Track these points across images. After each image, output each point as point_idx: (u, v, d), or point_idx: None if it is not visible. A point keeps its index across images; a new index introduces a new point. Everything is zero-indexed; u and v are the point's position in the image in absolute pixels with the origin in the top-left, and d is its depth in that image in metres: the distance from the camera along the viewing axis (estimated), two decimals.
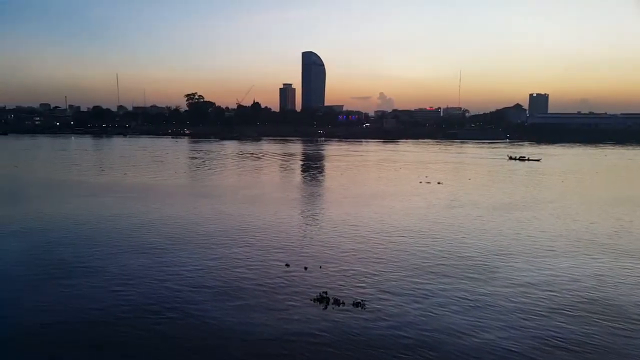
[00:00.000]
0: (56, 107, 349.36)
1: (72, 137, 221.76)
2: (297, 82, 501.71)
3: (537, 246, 30.96)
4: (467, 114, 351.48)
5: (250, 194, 53.54)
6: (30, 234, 32.84)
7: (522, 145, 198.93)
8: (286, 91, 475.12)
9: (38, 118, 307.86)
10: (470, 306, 20.52)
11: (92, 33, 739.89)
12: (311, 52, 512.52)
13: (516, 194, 55.58)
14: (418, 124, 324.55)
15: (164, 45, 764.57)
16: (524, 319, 19.18)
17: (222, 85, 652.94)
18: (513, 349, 16.66)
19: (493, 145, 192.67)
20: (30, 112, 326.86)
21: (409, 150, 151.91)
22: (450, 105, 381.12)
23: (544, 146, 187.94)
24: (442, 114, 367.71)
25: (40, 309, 19.81)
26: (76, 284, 22.86)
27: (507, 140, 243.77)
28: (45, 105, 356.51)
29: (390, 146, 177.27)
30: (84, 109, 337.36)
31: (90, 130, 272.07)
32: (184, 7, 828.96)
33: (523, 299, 21.39)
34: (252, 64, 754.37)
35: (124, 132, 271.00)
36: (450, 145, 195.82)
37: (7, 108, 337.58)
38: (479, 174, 78.76)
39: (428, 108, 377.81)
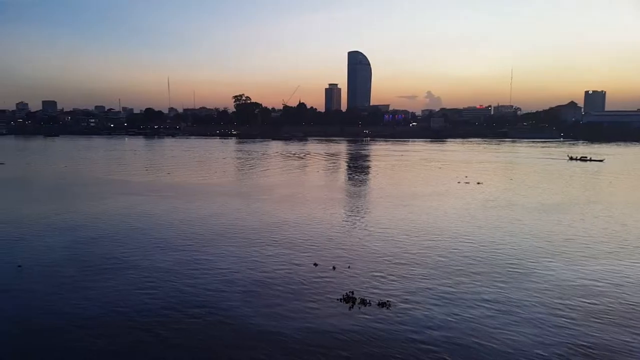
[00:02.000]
0: (110, 109, 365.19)
1: (126, 138, 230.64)
2: (342, 82, 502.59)
3: (578, 249, 29.19)
4: (518, 112, 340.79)
5: (286, 193, 53.67)
6: (70, 230, 34.16)
7: (575, 144, 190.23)
8: (332, 91, 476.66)
9: (93, 120, 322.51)
10: (501, 311, 19.54)
11: (145, 38, 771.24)
12: (357, 51, 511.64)
13: (561, 194, 52.90)
14: (467, 122, 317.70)
15: (213, 48, 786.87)
16: (558, 326, 18.05)
17: (268, 86, 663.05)
18: (545, 358, 15.73)
19: (545, 145, 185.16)
20: (86, 114, 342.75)
21: (454, 150, 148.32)
22: (501, 104, 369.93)
23: (597, 145, 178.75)
24: (492, 113, 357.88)
25: (76, 304, 20.40)
26: (110, 280, 23.52)
27: (561, 140, 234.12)
28: (100, 108, 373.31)
29: (436, 146, 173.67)
30: (136, 111, 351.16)
31: (142, 131, 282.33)
32: (232, 11, 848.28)
33: (558, 305, 20.15)
34: (298, 64, 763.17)
35: (174, 133, 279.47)
36: (499, 144, 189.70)
37: (64, 110, 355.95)
38: (523, 174, 75.42)
39: (477, 106, 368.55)
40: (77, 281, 23.35)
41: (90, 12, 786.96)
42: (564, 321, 18.57)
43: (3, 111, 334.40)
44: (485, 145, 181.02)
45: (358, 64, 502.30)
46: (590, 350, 16.27)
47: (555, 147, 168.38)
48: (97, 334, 17.74)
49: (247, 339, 17.34)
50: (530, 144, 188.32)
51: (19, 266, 25.76)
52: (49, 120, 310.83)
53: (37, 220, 37.25)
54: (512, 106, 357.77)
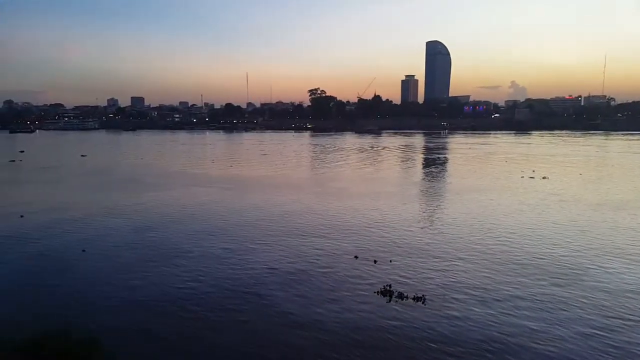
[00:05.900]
0: (193, 104, 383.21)
1: (207, 132, 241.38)
2: (420, 73, 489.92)
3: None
4: (612, 103, 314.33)
5: (341, 186, 54.29)
6: (132, 218, 37.43)
7: None
8: (408, 83, 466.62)
9: (177, 115, 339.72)
10: (547, 311, 18.98)
11: (226, 36, 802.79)
12: (436, 41, 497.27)
13: (635, 192, 49.04)
14: (554, 114, 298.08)
15: (290, 42, 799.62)
16: (608, 330, 17.36)
17: (344, 79, 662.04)
18: None
19: None
20: (171, 109, 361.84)
21: (531, 143, 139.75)
22: (592, 94, 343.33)
23: None
24: (583, 103, 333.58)
25: (129, 288, 22.37)
26: (162, 266, 25.53)
27: None
28: (184, 103, 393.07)
29: (518, 139, 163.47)
30: (217, 106, 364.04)
31: (222, 125, 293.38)
32: (308, 5, 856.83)
33: (611, 307, 19.33)
34: (374, 56, 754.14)
35: (250, 127, 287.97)
36: (585, 137, 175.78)
37: (151, 106, 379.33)
38: (599, 170, 70.26)
39: (567, 97, 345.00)
40: (133, 267, 25.47)
41: (176, 13, 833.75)
42: (616, 325, 17.70)
43: (95, 107, 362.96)
44: (568, 137, 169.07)
45: (437, 54, 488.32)
46: None
47: None
48: (146, 316, 19.37)
49: (284, 327, 18.19)
50: (624, 137, 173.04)
51: (83, 250, 28.60)
52: (137, 115, 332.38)
53: (104, 208, 40.93)
54: (605, 96, 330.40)
